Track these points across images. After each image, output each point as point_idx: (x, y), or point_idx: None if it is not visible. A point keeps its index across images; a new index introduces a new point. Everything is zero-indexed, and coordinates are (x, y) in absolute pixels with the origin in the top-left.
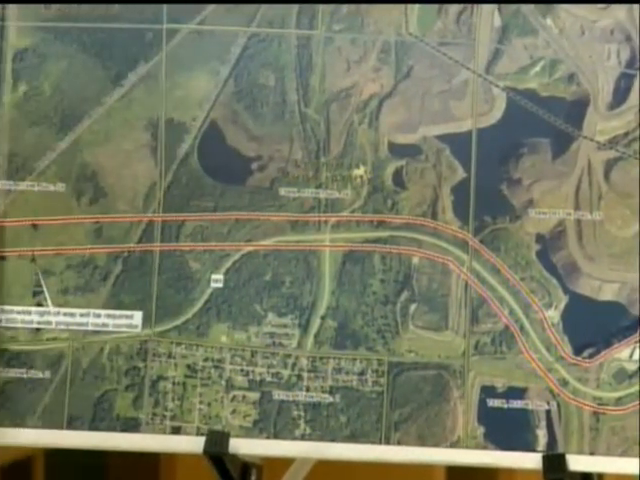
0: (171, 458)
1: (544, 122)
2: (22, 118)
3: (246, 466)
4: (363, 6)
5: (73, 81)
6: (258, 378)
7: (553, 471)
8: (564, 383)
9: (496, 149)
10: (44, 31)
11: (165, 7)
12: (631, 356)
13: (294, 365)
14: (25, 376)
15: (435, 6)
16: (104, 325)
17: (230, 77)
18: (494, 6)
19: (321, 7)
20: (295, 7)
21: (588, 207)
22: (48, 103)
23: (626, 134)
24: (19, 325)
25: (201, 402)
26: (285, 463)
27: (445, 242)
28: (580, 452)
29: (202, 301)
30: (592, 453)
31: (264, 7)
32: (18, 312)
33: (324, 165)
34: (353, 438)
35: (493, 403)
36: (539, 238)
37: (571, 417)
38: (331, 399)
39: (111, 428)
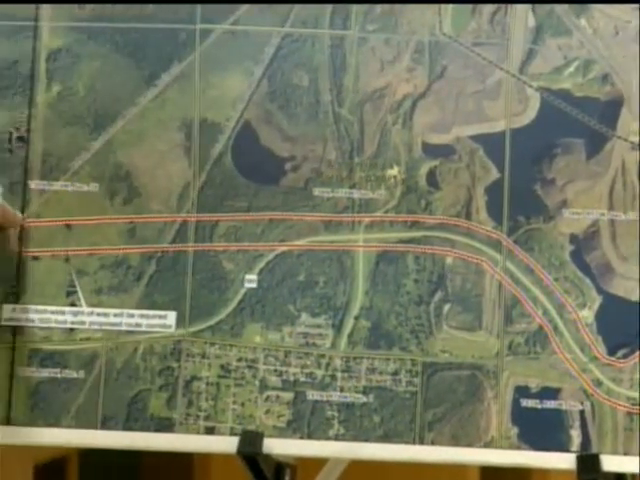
0: (205, 458)
1: (578, 122)
2: (56, 118)
3: (280, 466)
4: (397, 6)
5: (107, 81)
6: (292, 378)
7: (587, 471)
8: (598, 383)
9: (530, 149)
10: (78, 31)
11: (199, 7)
12: None
13: (328, 365)
14: (59, 376)
15: (469, 6)
16: (138, 325)
17: (264, 77)
18: (528, 6)
19: (355, 7)
20: (329, 7)
21: (622, 207)
22: (82, 103)
23: None
24: (53, 325)
25: (235, 402)
26: (319, 463)
27: (479, 242)
28: (614, 452)
29: (236, 301)
30: (626, 453)
31: (297, 7)
32: (52, 312)
33: (358, 165)
34: (386, 438)
35: (527, 403)
36: (573, 238)
37: (605, 417)
38: (365, 399)
39: (145, 428)
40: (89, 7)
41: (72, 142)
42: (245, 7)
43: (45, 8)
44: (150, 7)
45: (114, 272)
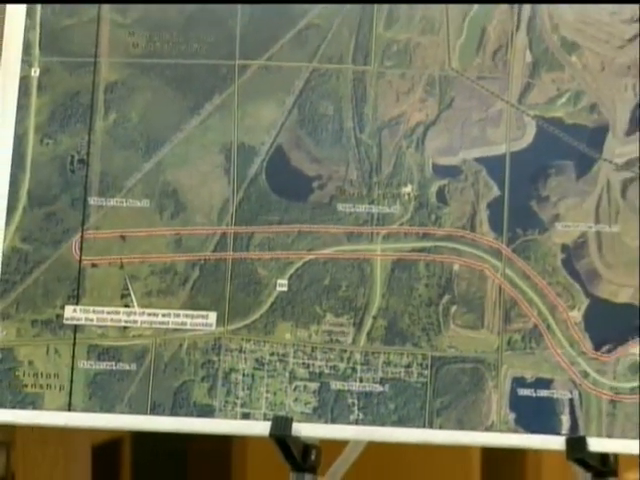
0: (242, 442)
1: (569, 146)
2: (112, 142)
3: (307, 447)
4: (412, 44)
5: (156, 110)
6: (317, 370)
7: (575, 452)
8: (585, 375)
9: (527, 170)
10: (132, 67)
11: (237, 45)
12: None
13: (349, 359)
14: (114, 368)
15: (474, 44)
16: (183, 324)
17: (294, 107)
18: (526, 44)
19: (374, 45)
20: (352, 45)
21: (607, 221)
22: (135, 129)
23: None
24: (109, 324)
25: (267, 391)
26: (340, 445)
27: (482, 251)
28: (599, 435)
29: (269, 303)
30: (609, 436)
31: (324, 45)
32: (108, 312)
33: (376, 184)
34: (400, 423)
35: (523, 392)
36: (564, 248)
37: (591, 404)
38: (381, 389)
39: (189, 414)
40: (142, 45)
41: (126, 163)
42: (278, 45)
43: (104, 45)
44: (195, 45)
45: (163, 277)
